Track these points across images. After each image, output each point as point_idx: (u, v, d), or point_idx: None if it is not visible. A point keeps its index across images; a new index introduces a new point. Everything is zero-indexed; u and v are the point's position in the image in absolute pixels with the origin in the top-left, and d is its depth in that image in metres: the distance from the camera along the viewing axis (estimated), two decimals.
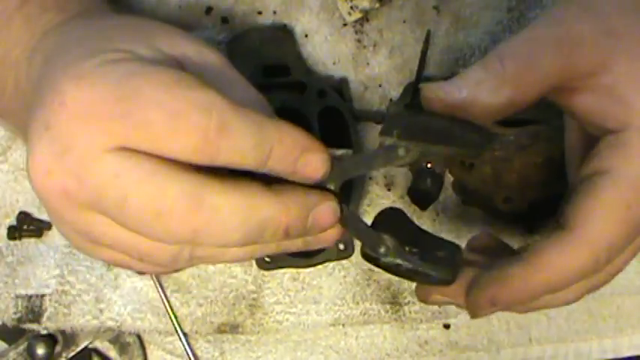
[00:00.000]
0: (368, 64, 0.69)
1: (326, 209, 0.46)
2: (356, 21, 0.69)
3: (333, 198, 0.46)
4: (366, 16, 0.69)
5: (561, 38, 0.48)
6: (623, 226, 0.47)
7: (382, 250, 0.47)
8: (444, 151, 0.46)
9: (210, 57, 0.47)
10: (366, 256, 0.47)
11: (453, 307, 0.68)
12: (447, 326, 0.68)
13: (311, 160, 0.44)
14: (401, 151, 0.46)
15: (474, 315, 0.51)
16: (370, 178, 0.68)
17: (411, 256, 0.47)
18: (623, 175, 0.47)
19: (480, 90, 0.47)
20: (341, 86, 0.67)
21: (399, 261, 0.47)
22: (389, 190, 0.69)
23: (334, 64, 0.69)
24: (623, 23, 0.48)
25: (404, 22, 0.69)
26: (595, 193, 0.47)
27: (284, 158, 0.44)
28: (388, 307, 0.68)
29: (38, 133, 0.43)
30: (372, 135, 0.69)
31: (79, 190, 0.43)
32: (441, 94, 0.47)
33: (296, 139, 0.44)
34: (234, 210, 0.42)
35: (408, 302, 0.68)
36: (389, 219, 0.50)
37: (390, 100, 0.69)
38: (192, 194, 0.42)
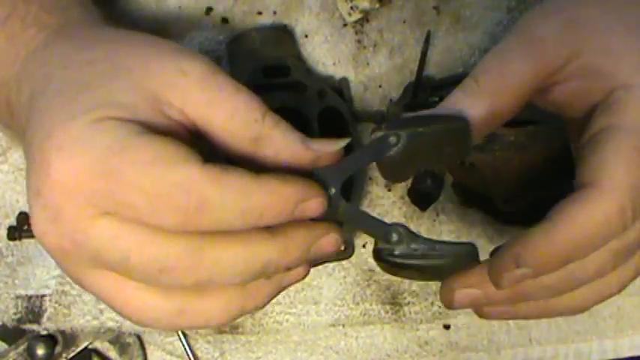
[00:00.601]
0: (368, 64, 0.69)
1: (328, 241, 0.46)
2: (356, 21, 0.69)
3: (334, 228, 0.46)
4: (366, 17, 0.69)
5: (525, 42, 0.49)
6: (637, 169, 0.46)
7: (395, 237, 0.46)
8: (431, 131, 0.47)
9: (193, 73, 0.46)
10: (379, 253, 0.46)
11: None
12: (447, 327, 0.68)
13: (307, 207, 0.45)
14: (392, 139, 0.46)
15: (497, 282, 0.48)
16: (370, 179, 0.68)
17: (426, 240, 0.46)
18: (624, 125, 0.47)
19: (457, 110, 0.48)
20: (341, 86, 0.67)
21: (414, 245, 0.46)
22: (389, 190, 0.69)
23: (334, 64, 0.69)
24: (581, 11, 0.50)
25: (404, 22, 0.69)
26: (601, 146, 0.47)
27: (277, 217, 0.44)
28: (388, 307, 0.68)
29: (32, 196, 0.44)
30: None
31: (77, 251, 0.44)
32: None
33: (288, 197, 0.44)
34: (235, 259, 0.43)
35: (408, 303, 0.68)
36: None
37: (390, 100, 0.69)
38: (192, 250, 0.42)
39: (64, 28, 0.51)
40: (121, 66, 0.46)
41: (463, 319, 0.68)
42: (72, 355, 0.66)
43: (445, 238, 0.68)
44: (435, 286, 0.68)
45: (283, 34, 0.68)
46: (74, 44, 0.49)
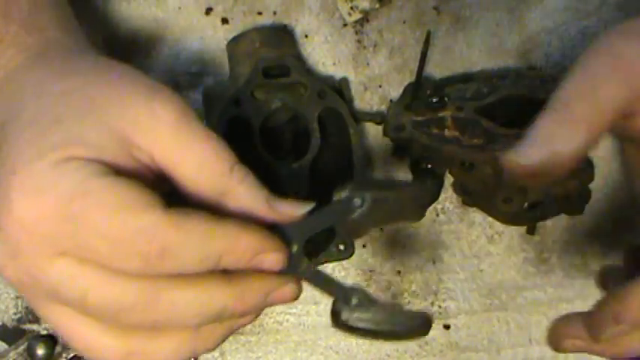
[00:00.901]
0: (368, 64, 0.69)
1: (285, 292, 0.47)
2: (356, 21, 0.69)
3: (290, 280, 0.47)
4: (366, 17, 0.69)
5: (617, 66, 0.47)
6: None
7: (354, 301, 0.46)
8: (395, 195, 0.48)
9: (165, 117, 0.45)
10: (336, 315, 0.46)
11: (452, 307, 0.68)
12: (447, 327, 0.68)
13: (265, 260, 0.45)
14: (357, 201, 0.47)
15: (597, 336, 0.49)
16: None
17: (383, 307, 0.46)
18: None
19: (557, 142, 0.47)
20: (341, 87, 0.67)
21: (372, 310, 0.46)
22: None
23: (334, 64, 0.69)
24: None
25: (404, 22, 0.69)
26: None
27: (236, 262, 0.44)
28: None
29: None
30: (372, 136, 0.69)
31: (35, 286, 0.44)
32: (522, 160, 0.47)
33: (247, 246, 0.44)
34: (191, 303, 0.44)
35: (408, 303, 0.68)
36: None
37: (390, 100, 0.69)
38: (150, 293, 0.43)
39: (43, 52, 0.51)
40: (94, 101, 0.45)
41: (463, 319, 0.68)
42: (72, 355, 0.66)
43: (445, 238, 0.68)
44: (435, 286, 0.68)
45: (283, 34, 0.68)
46: (51, 71, 0.49)
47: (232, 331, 0.48)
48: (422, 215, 0.51)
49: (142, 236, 0.42)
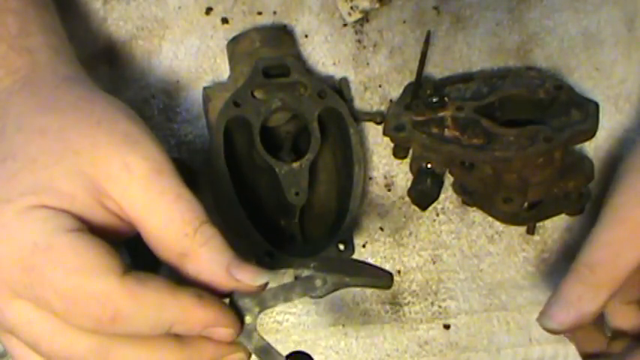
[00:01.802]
0: (368, 64, 0.69)
1: (234, 359, 0.48)
2: (356, 21, 0.69)
3: (240, 349, 0.48)
4: (366, 17, 0.69)
5: (634, 233, 0.53)
6: None
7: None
8: (356, 282, 0.50)
9: (137, 171, 0.46)
10: None
11: (452, 307, 0.68)
12: (447, 327, 0.68)
13: (216, 333, 0.47)
14: (318, 282, 0.49)
15: None
16: (370, 179, 0.68)
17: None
18: None
19: (583, 304, 0.53)
20: (341, 86, 0.67)
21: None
22: (389, 190, 0.69)
23: (334, 64, 0.69)
24: None
25: (404, 22, 0.69)
26: None
27: (187, 331, 0.46)
28: (388, 307, 0.68)
29: None
30: (372, 136, 0.69)
31: None
32: (556, 325, 0.54)
33: (199, 319, 0.46)
34: None
35: (408, 302, 0.68)
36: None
37: (390, 100, 0.69)
38: (100, 348, 0.44)
39: (31, 79, 0.51)
40: (69, 146, 0.46)
41: (463, 319, 0.68)
42: None
43: (445, 238, 0.68)
44: (435, 286, 0.68)
45: (283, 34, 0.68)
46: (35, 102, 0.49)
47: None
48: (389, 288, 0.53)
49: (96, 300, 0.43)
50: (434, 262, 0.68)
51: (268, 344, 0.49)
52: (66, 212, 0.44)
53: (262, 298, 0.49)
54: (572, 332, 0.57)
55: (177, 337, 0.46)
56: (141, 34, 0.68)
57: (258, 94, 0.64)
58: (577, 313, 0.53)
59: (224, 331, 0.47)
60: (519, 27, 0.69)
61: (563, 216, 0.67)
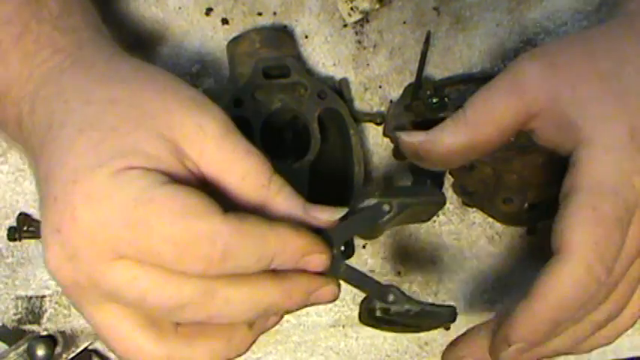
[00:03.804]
0: (368, 65, 0.69)
1: (326, 292, 0.50)
2: (356, 22, 0.69)
3: (333, 281, 0.50)
4: (366, 17, 0.69)
5: (511, 81, 0.53)
6: (597, 228, 0.48)
7: (391, 298, 0.51)
8: (416, 201, 0.53)
9: (210, 131, 0.48)
10: (371, 311, 0.51)
11: None
12: (447, 327, 0.68)
13: (311, 260, 0.49)
14: (385, 207, 0.51)
15: None
16: (371, 179, 0.68)
17: (417, 303, 0.51)
18: (583, 185, 0.50)
19: (442, 133, 0.54)
20: (341, 87, 0.67)
21: (407, 306, 0.51)
22: None
23: (334, 65, 0.69)
24: (565, 57, 0.53)
25: (404, 23, 0.69)
26: (564, 211, 0.50)
27: (285, 262, 0.48)
28: None
29: (49, 232, 0.45)
30: (372, 136, 0.69)
31: (90, 288, 0.46)
32: (406, 136, 0.56)
33: (296, 247, 0.48)
34: (243, 300, 0.46)
35: None
36: None
37: (390, 101, 0.69)
38: (205, 291, 0.45)
39: (80, 55, 0.52)
40: (143, 111, 0.47)
41: (463, 319, 0.68)
42: (72, 355, 0.66)
43: (445, 239, 0.69)
44: (435, 286, 0.68)
45: (283, 34, 0.68)
46: (93, 77, 0.50)
47: (258, 337, 0.51)
48: (431, 217, 0.56)
49: (206, 240, 0.44)
50: (434, 263, 0.68)
51: (357, 270, 0.51)
52: (155, 170, 0.46)
53: (341, 230, 0.51)
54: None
55: (275, 274, 0.48)
56: (141, 34, 0.68)
57: (258, 94, 0.64)
58: (431, 137, 0.54)
59: (318, 257, 0.49)
60: (519, 28, 0.69)
61: None
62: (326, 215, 0.50)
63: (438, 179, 0.63)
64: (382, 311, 0.51)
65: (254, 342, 0.51)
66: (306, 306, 0.50)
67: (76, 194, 0.45)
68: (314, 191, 0.65)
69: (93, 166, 0.45)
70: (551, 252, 0.50)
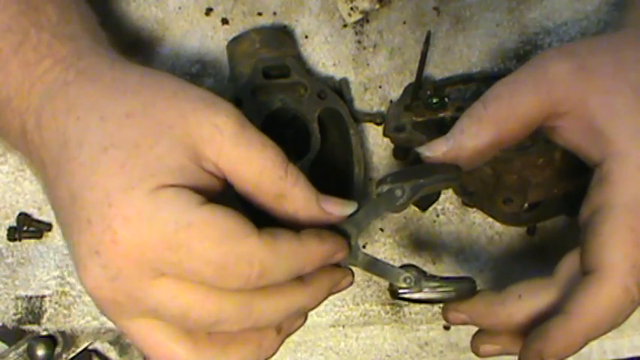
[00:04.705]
0: (368, 65, 0.69)
1: (345, 284, 0.53)
2: (356, 22, 0.69)
3: (350, 272, 0.54)
4: (366, 17, 0.69)
5: (537, 78, 0.52)
6: (636, 250, 0.49)
7: (409, 280, 0.53)
8: (430, 181, 0.53)
9: (227, 130, 0.48)
10: (394, 293, 0.54)
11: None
12: (447, 327, 0.68)
13: (335, 259, 0.51)
14: (398, 192, 0.52)
15: None
16: (370, 179, 0.68)
17: (433, 279, 0.54)
18: (617, 203, 0.50)
19: (464, 137, 0.53)
20: (341, 87, 0.67)
21: (425, 284, 0.53)
22: None
23: (334, 65, 0.69)
24: (595, 61, 0.52)
25: (404, 23, 0.69)
26: (599, 229, 0.50)
27: (314, 268, 0.50)
28: (388, 308, 0.68)
29: (88, 255, 0.46)
30: (372, 136, 0.69)
31: (131, 305, 0.47)
32: (428, 151, 0.54)
33: (322, 255, 0.50)
34: (277, 309, 0.49)
35: (408, 304, 0.68)
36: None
37: (390, 101, 0.69)
38: (243, 306, 0.48)
39: (82, 66, 0.51)
40: (160, 121, 0.48)
41: None
42: (72, 355, 0.66)
43: (445, 239, 0.68)
44: None
45: (283, 34, 0.68)
46: (102, 90, 0.50)
47: (285, 339, 0.53)
48: (460, 180, 0.55)
49: (244, 261, 0.46)
50: (434, 263, 0.68)
51: (374, 258, 0.54)
52: (186, 187, 0.47)
53: (356, 221, 0.53)
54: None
55: (301, 280, 0.50)
56: (141, 34, 0.68)
57: (258, 94, 0.64)
58: (454, 144, 0.53)
59: (340, 255, 0.51)
60: (519, 28, 0.69)
61: (563, 216, 0.67)
62: (339, 209, 0.52)
63: None
64: (403, 293, 0.53)
65: (282, 344, 0.52)
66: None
67: (113, 217, 0.45)
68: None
69: (125, 187, 0.46)
70: (583, 267, 0.51)
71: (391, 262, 0.55)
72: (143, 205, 0.46)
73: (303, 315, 0.53)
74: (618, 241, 0.49)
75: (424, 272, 0.54)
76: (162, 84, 0.50)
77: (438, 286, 0.54)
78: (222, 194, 0.50)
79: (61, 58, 0.51)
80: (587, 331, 0.50)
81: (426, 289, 0.54)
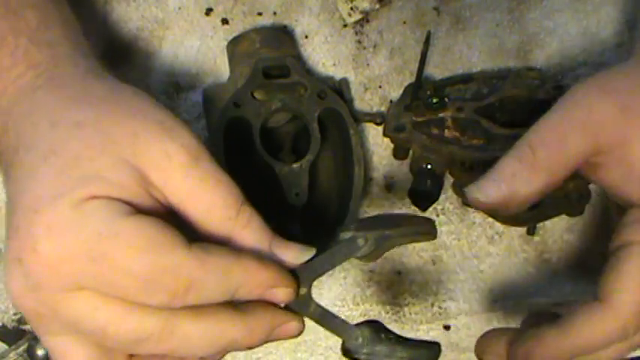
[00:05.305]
0: (368, 65, 0.69)
1: (290, 328, 0.49)
2: (356, 22, 0.69)
3: (297, 318, 0.49)
4: (366, 17, 0.69)
5: (585, 121, 0.51)
6: None
7: (360, 340, 0.50)
8: (398, 233, 0.50)
9: (177, 159, 0.46)
10: (346, 351, 0.50)
11: (452, 307, 0.68)
12: (447, 327, 0.68)
13: (276, 293, 0.48)
14: (360, 241, 0.49)
15: None
16: (370, 179, 0.68)
17: (389, 341, 0.50)
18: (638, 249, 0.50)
19: (516, 182, 0.51)
20: (341, 87, 0.67)
21: (378, 347, 0.50)
22: (389, 191, 0.69)
23: (334, 65, 0.69)
24: (636, 102, 0.51)
25: (404, 23, 0.69)
26: (620, 266, 0.50)
27: (249, 294, 0.47)
28: (388, 308, 0.68)
29: (11, 261, 0.45)
30: (372, 136, 0.69)
31: (51, 318, 0.45)
32: (482, 198, 0.51)
33: (261, 280, 0.47)
34: (203, 335, 0.46)
35: (408, 303, 0.68)
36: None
37: (390, 101, 0.69)
38: (165, 325, 0.45)
39: (54, 73, 0.51)
40: (109, 137, 0.46)
41: (463, 319, 0.68)
42: None
43: (445, 239, 0.68)
44: (435, 286, 0.68)
45: (283, 34, 0.68)
46: (63, 97, 0.49)
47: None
48: (434, 237, 0.52)
49: (170, 274, 0.44)
50: (434, 263, 0.68)
51: (326, 310, 0.50)
52: (117, 199, 0.45)
53: (311, 268, 0.50)
54: (494, 210, 0.53)
55: (237, 308, 0.47)
56: (141, 34, 0.68)
57: (258, 94, 0.64)
58: (507, 190, 0.51)
59: (283, 291, 0.48)
60: (519, 28, 0.69)
61: (563, 217, 0.67)
62: (292, 256, 0.49)
63: (437, 180, 0.63)
64: (355, 352, 0.50)
65: None
66: (267, 341, 0.49)
67: (37, 225, 0.44)
68: (314, 191, 0.65)
69: (55, 195, 0.44)
70: (597, 291, 0.51)
71: (347, 320, 0.51)
72: (68, 214, 0.44)
73: (256, 346, 0.49)
74: (632, 283, 0.50)
75: (385, 330, 0.51)
76: (125, 100, 0.49)
77: (392, 352, 0.50)
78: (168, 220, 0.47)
79: (36, 64, 0.51)
80: (576, 351, 0.51)
81: (380, 353, 0.50)
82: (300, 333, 0.50)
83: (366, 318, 0.67)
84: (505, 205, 0.51)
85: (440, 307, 0.68)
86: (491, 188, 0.51)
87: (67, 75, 0.51)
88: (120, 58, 0.67)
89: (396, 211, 0.68)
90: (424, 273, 0.68)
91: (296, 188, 0.62)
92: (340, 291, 0.68)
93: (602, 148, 0.51)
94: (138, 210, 0.45)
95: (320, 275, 0.50)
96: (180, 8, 0.68)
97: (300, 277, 0.49)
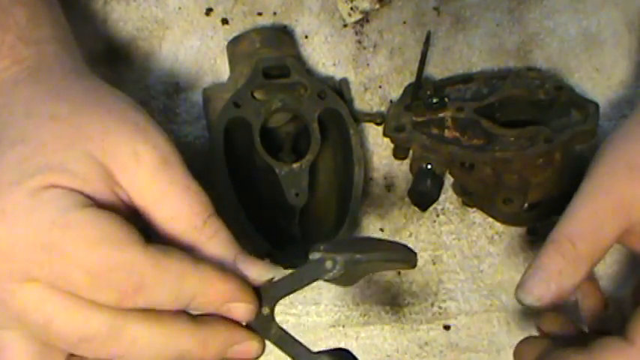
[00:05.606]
0: (368, 65, 0.69)
1: (248, 347, 0.47)
2: (356, 22, 0.69)
3: (255, 337, 0.47)
4: (366, 17, 0.69)
5: (617, 206, 0.52)
6: None
7: None
8: (370, 258, 0.48)
9: (146, 160, 0.46)
10: None
11: (452, 307, 0.68)
12: (447, 327, 0.68)
13: (236, 309, 0.46)
14: (328, 264, 0.47)
15: None
16: (370, 179, 0.68)
17: None
18: None
19: (564, 278, 0.51)
20: (341, 87, 0.67)
21: None
22: (389, 191, 0.69)
23: (334, 65, 0.69)
24: None
25: (404, 23, 0.69)
26: None
27: (206, 306, 0.45)
28: (388, 308, 0.68)
29: None
30: (372, 136, 0.69)
31: (0, 307, 0.44)
32: (535, 301, 0.51)
33: (219, 291, 0.45)
34: (152, 342, 0.44)
35: (408, 303, 0.68)
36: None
37: (391, 101, 0.69)
38: (112, 325, 0.43)
39: (38, 69, 0.51)
40: (81, 131, 0.46)
41: (463, 319, 0.68)
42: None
43: (445, 239, 0.68)
44: (435, 286, 0.68)
45: (283, 34, 0.68)
46: (42, 91, 0.49)
47: None
48: (413, 266, 0.50)
49: (122, 271, 0.43)
50: (434, 263, 0.68)
51: (288, 333, 0.48)
52: (78, 191, 0.44)
53: (276, 288, 0.48)
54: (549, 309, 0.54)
55: (193, 318, 0.46)
56: (141, 34, 0.68)
57: (258, 94, 0.64)
58: (558, 288, 0.51)
59: (243, 307, 0.47)
60: (519, 28, 0.69)
61: None
62: (256, 273, 0.48)
63: (438, 180, 0.63)
64: None
65: None
66: (224, 358, 0.47)
67: None
68: (314, 192, 0.65)
69: (13, 181, 0.44)
70: (624, 327, 0.51)
71: (309, 347, 0.48)
72: (23, 201, 0.43)
73: None
74: None
75: (352, 358, 0.49)
76: (104, 99, 0.49)
77: None
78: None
79: (21, 60, 0.51)
80: None
81: None
82: (259, 355, 0.48)
83: (366, 318, 0.67)
84: (555, 303, 0.52)
85: (440, 307, 0.68)
86: (541, 289, 0.52)
87: (49, 72, 0.51)
88: (119, 58, 0.67)
89: (396, 213, 0.68)
90: (424, 273, 0.68)
91: (296, 188, 0.62)
92: (340, 291, 0.67)
93: (635, 223, 0.52)
94: (98, 206, 0.44)
95: (284, 296, 0.48)
96: (180, 8, 0.68)
97: (263, 296, 0.48)
